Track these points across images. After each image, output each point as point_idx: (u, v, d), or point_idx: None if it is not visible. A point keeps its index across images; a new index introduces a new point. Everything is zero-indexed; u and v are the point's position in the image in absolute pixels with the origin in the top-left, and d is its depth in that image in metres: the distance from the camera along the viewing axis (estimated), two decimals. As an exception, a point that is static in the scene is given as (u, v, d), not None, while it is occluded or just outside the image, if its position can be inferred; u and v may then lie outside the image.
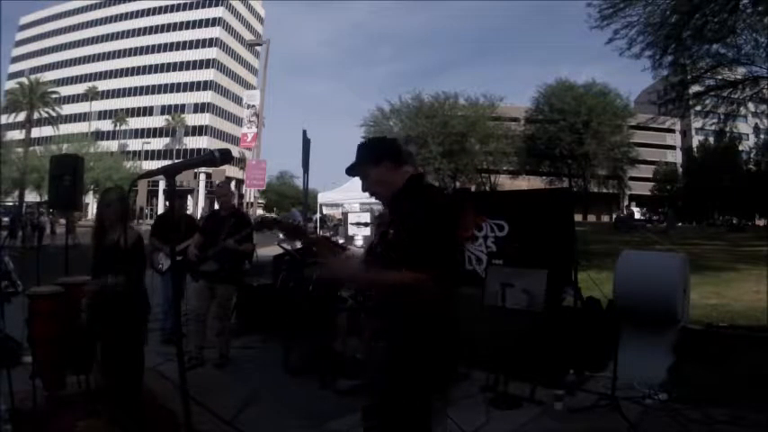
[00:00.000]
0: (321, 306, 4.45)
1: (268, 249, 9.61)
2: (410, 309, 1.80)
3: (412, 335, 1.82)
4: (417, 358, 1.80)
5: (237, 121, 59.45)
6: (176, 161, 1.88)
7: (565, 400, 3.58)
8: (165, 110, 68.57)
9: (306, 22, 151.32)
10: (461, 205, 5.46)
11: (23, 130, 52.98)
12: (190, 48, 70.12)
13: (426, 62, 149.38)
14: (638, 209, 54.11)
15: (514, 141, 46.95)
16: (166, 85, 70.01)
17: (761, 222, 46.83)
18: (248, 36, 69.42)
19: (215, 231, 4.70)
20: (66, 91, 66.06)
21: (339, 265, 1.86)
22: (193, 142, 65.81)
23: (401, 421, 1.83)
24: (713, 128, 26.11)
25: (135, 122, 68.98)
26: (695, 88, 18.22)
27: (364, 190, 2.10)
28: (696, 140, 57.10)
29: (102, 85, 70.62)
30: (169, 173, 1.63)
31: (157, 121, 68.39)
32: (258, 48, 54.93)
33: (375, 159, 2.01)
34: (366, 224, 13.77)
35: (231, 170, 56.45)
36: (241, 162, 43.51)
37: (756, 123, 26.76)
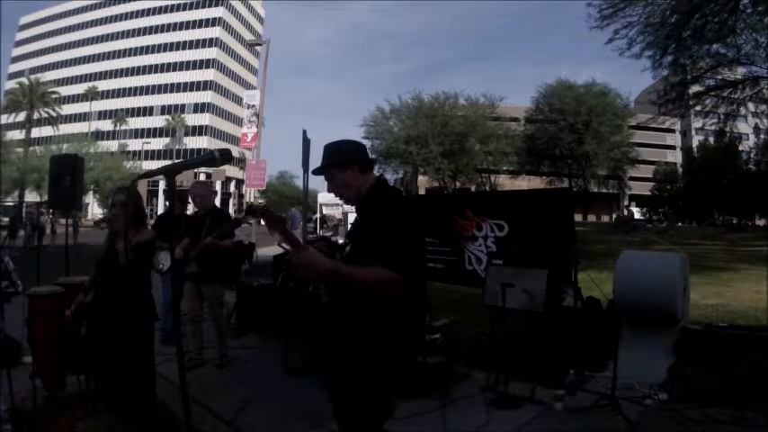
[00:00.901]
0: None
1: (268, 249, 9.62)
2: (375, 306, 1.87)
3: (371, 330, 1.89)
4: (373, 352, 1.88)
5: (237, 121, 59.47)
6: (176, 161, 1.88)
7: (565, 400, 3.58)
8: (165, 110, 68.60)
9: (306, 22, 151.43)
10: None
11: (23, 130, 53.01)
12: (190, 48, 70.13)
13: (426, 62, 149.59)
14: (638, 209, 54.03)
15: (514, 141, 46.87)
16: (166, 85, 70.02)
17: (761, 222, 46.85)
18: (248, 36, 69.40)
19: (194, 232, 4.66)
20: (66, 91, 66.08)
21: (313, 259, 1.88)
22: (193, 142, 65.82)
23: (352, 412, 1.96)
24: (713, 128, 26.12)
25: (135, 122, 68.99)
26: (695, 88, 18.20)
27: (329, 191, 2.18)
28: (696, 140, 57.04)
29: (102, 85, 70.65)
30: (169, 173, 1.63)
31: (157, 121, 68.40)
32: (258, 48, 54.87)
33: (342, 164, 2.07)
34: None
35: (231, 170, 56.52)
36: (241, 162, 43.49)
37: (756, 123, 26.75)
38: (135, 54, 71.51)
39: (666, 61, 16.09)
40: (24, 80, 56.33)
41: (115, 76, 71.75)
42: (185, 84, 69.61)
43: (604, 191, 52.27)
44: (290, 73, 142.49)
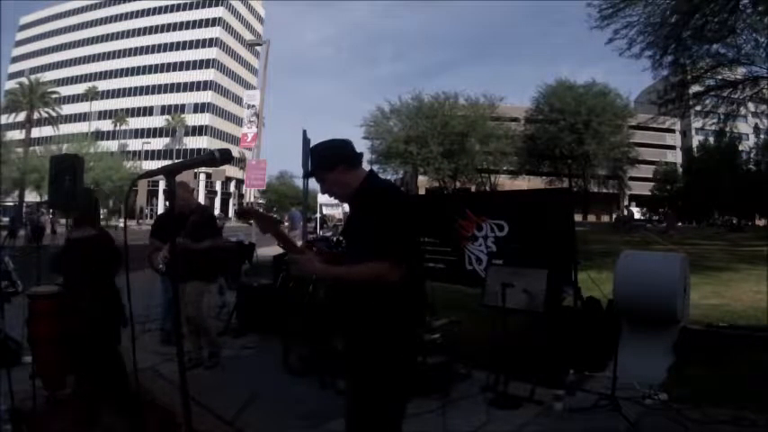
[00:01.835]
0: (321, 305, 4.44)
1: (268, 249, 9.61)
2: (373, 301, 1.88)
3: (374, 326, 1.90)
4: (379, 347, 1.89)
5: (237, 121, 59.47)
6: (176, 161, 1.88)
7: (565, 400, 3.58)
8: (165, 110, 68.60)
9: (306, 22, 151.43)
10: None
11: (23, 130, 52.94)
12: (190, 48, 70.13)
13: (426, 62, 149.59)
14: (638, 209, 54.10)
15: (514, 141, 46.88)
16: (166, 85, 70.03)
17: (761, 222, 46.84)
18: (248, 36, 69.39)
19: (175, 233, 4.64)
20: (66, 91, 66.06)
21: (308, 261, 1.93)
22: (193, 142, 65.81)
23: (366, 411, 1.93)
24: (713, 128, 26.13)
25: (135, 122, 68.98)
26: (695, 88, 18.20)
27: (323, 192, 2.22)
28: (696, 140, 57.06)
29: (102, 85, 70.64)
30: (169, 173, 1.63)
31: (157, 121, 68.40)
32: (258, 48, 54.83)
33: (329, 165, 2.09)
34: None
35: (231, 170, 56.52)
36: (241, 162, 43.48)
37: (756, 123, 26.74)
38: (135, 54, 71.50)
39: (666, 61, 16.11)
40: (24, 80, 56.29)
41: (115, 76, 71.75)
42: (185, 84, 69.60)
43: (604, 191, 52.29)
44: (290, 73, 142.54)
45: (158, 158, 61.41)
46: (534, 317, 4.16)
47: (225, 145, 55.53)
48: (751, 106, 19.98)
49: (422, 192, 38.54)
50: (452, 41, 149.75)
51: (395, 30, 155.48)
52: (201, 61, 69.64)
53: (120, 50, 72.46)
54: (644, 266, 4.67)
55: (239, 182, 49.04)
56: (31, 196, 46.12)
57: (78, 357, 3.18)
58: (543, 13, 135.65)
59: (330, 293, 3.65)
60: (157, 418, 3.36)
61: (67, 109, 64.06)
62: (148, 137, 64.04)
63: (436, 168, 42.67)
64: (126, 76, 71.50)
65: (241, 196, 40.70)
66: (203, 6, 70.91)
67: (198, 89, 69.34)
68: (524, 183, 46.97)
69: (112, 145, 60.63)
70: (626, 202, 55.44)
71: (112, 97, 70.82)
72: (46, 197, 7.04)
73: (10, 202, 47.79)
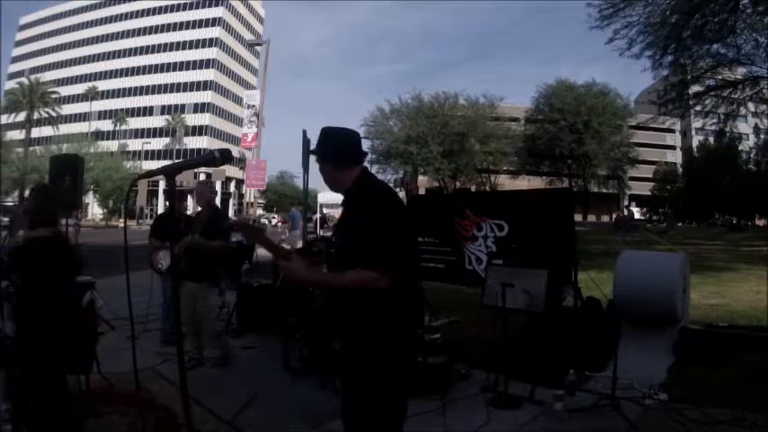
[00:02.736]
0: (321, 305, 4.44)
1: (268, 249, 9.56)
2: (366, 306, 1.85)
3: (368, 332, 1.88)
4: (374, 353, 1.87)
5: (237, 121, 59.49)
6: (176, 161, 1.88)
7: (565, 400, 3.58)
8: (165, 110, 68.56)
9: (306, 22, 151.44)
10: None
11: (23, 130, 52.96)
12: (190, 48, 70.12)
13: (426, 62, 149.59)
14: (638, 209, 54.10)
15: (514, 141, 46.92)
16: (166, 85, 70.01)
17: (761, 222, 46.87)
18: (248, 36, 69.39)
19: (191, 230, 4.67)
20: (66, 91, 66.06)
21: (296, 270, 1.89)
22: (193, 142, 65.77)
23: (361, 414, 1.91)
24: (713, 128, 26.09)
25: (135, 122, 68.96)
26: (695, 88, 18.19)
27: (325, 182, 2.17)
28: (696, 140, 57.09)
29: (102, 85, 70.62)
30: (169, 173, 1.63)
31: (157, 121, 68.37)
32: (258, 48, 54.93)
33: (324, 156, 2.06)
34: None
35: (231, 170, 56.51)
36: (241, 162, 43.50)
37: (756, 123, 26.71)
38: (135, 54, 71.48)
39: (666, 61, 16.09)
40: (24, 80, 56.29)
41: (115, 76, 71.73)
42: (185, 84, 69.59)
43: (604, 191, 52.28)
44: (290, 73, 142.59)
45: (158, 158, 61.37)
46: (534, 317, 4.16)
47: (225, 145, 55.58)
48: (751, 106, 19.95)
49: (422, 192, 38.51)
50: (452, 41, 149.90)
51: (395, 30, 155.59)
52: (201, 61, 69.62)
53: (120, 50, 72.44)
54: (644, 266, 4.67)
55: (239, 182, 49.02)
56: (31, 196, 46.05)
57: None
58: (543, 13, 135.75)
59: (326, 297, 3.67)
60: (157, 418, 3.37)
61: (67, 109, 64.05)
62: (148, 137, 64.01)
63: (436, 168, 42.68)
64: (126, 76, 71.48)
65: (241, 196, 40.61)
66: (203, 6, 70.89)
67: (198, 89, 69.32)
68: (524, 183, 46.96)
69: (112, 145, 60.59)
70: (626, 202, 55.40)
71: (112, 97, 70.80)
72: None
73: (10, 202, 47.77)
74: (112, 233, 31.30)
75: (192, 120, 67.78)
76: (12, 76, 71.38)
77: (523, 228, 4.87)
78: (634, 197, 59.95)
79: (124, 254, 1.78)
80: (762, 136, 37.76)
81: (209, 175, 54.06)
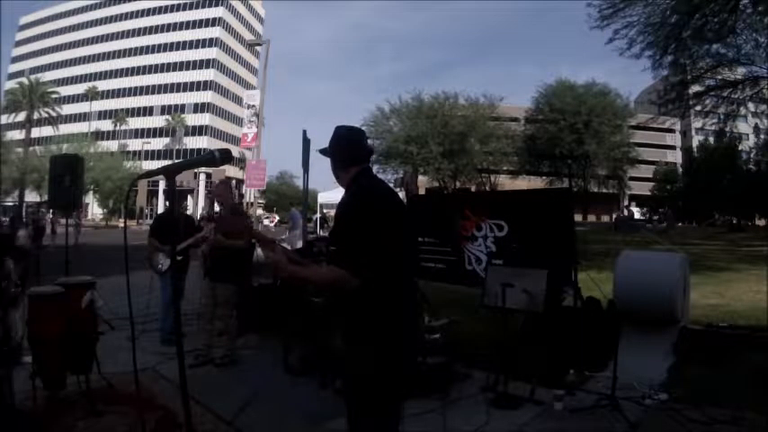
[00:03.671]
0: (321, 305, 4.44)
1: (268, 249, 9.55)
2: (357, 307, 1.89)
3: (354, 330, 1.92)
4: (367, 352, 1.88)
5: (237, 121, 59.47)
6: (176, 161, 1.88)
7: (565, 400, 3.58)
8: (165, 110, 68.55)
9: (306, 22, 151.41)
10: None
11: (23, 130, 52.97)
12: (190, 48, 70.10)
13: (426, 62, 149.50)
14: (638, 209, 54.11)
15: (514, 141, 46.86)
16: (166, 85, 69.99)
17: (761, 222, 46.86)
18: (248, 36, 69.38)
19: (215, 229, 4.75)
20: (66, 91, 66.05)
21: (279, 262, 1.93)
22: (193, 142, 65.77)
23: (358, 414, 1.94)
24: (713, 128, 26.11)
25: (135, 122, 68.95)
26: (695, 88, 18.18)
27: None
28: (696, 140, 57.04)
29: (102, 85, 70.60)
30: (169, 173, 1.63)
31: (157, 121, 68.37)
32: (258, 48, 54.86)
33: (329, 152, 2.14)
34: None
35: (231, 170, 56.48)
36: (241, 162, 43.48)
37: (756, 123, 26.74)
38: (135, 54, 71.46)
39: (666, 61, 16.08)
40: (24, 80, 56.30)
41: (115, 76, 71.72)
42: (185, 84, 69.58)
43: (604, 191, 52.24)
44: (290, 73, 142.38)
45: (158, 158, 61.37)
46: (534, 317, 4.16)
47: (225, 145, 55.54)
48: (751, 106, 19.96)
49: (422, 192, 38.49)
50: (452, 41, 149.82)
51: (395, 30, 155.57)
52: (201, 61, 69.60)
53: (120, 50, 72.42)
54: (644, 266, 4.68)
55: (239, 182, 48.94)
56: (31, 196, 46.13)
57: None
58: (543, 13, 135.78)
59: (323, 298, 3.69)
60: (157, 418, 3.37)
61: (67, 109, 64.05)
62: (148, 137, 64.00)
63: (436, 168, 42.62)
64: (126, 76, 71.46)
65: (241, 196, 40.72)
66: (203, 6, 70.88)
67: (198, 89, 69.30)
68: (524, 183, 46.94)
69: (112, 145, 60.60)
70: (626, 202, 55.44)
71: (112, 97, 70.78)
72: (46, 197, 7.03)
73: (10, 202, 47.78)
74: (112, 233, 31.30)
75: (192, 120, 67.77)
76: (12, 76, 71.37)
77: (523, 228, 4.88)
78: (634, 197, 59.93)
79: (124, 254, 1.78)
80: (762, 136, 37.71)
81: (209, 175, 54.18)
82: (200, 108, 68.78)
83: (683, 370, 4.17)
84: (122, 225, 44.37)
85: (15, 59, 77.81)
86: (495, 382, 3.90)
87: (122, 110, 68.93)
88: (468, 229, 5.29)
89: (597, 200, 52.56)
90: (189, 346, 4.62)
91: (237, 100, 61.49)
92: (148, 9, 71.68)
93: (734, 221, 42.86)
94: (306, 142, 8.67)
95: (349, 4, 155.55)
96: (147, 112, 70.14)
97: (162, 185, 51.27)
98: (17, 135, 52.91)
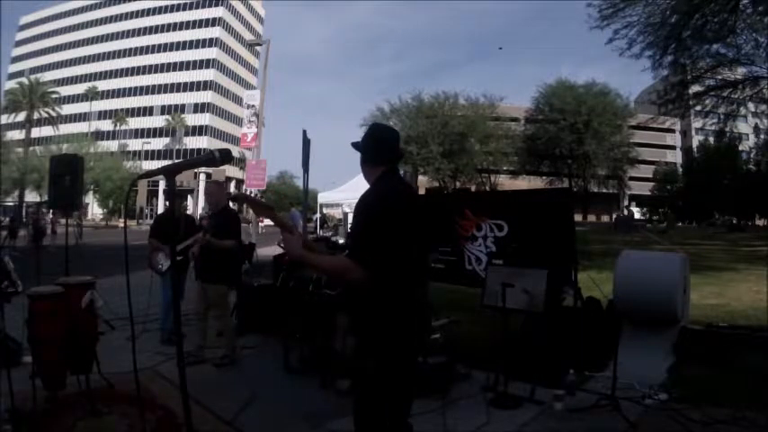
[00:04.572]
0: (321, 305, 4.44)
1: (268, 249, 9.61)
2: (357, 299, 1.94)
3: (363, 323, 1.96)
4: (371, 344, 1.93)
5: (237, 121, 59.43)
6: (176, 161, 1.88)
7: (565, 400, 3.58)
8: (165, 110, 68.56)
9: (306, 22, 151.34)
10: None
11: (23, 130, 52.99)
12: (190, 48, 70.10)
13: (426, 62, 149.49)
14: (638, 209, 54.12)
15: (514, 141, 46.90)
16: (166, 85, 69.99)
17: (761, 222, 46.89)
18: (248, 36, 69.35)
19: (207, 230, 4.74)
20: (66, 91, 66.05)
21: (295, 246, 1.97)
22: (193, 142, 65.78)
23: (365, 411, 1.97)
24: (713, 128, 26.09)
25: (135, 122, 68.95)
26: (695, 88, 18.18)
27: None
28: (696, 140, 57.11)
29: (102, 85, 70.61)
30: (169, 173, 1.63)
31: (157, 121, 68.37)
32: (258, 48, 54.83)
33: (360, 146, 2.17)
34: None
35: (231, 170, 56.52)
36: (241, 162, 43.48)
37: (756, 123, 26.74)
38: (135, 54, 71.45)
39: (666, 61, 16.07)
40: (24, 80, 56.33)
41: (115, 76, 71.71)
42: (185, 84, 69.58)
43: (604, 191, 52.26)
44: (290, 73, 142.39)
45: (158, 158, 61.36)
46: (534, 317, 4.16)
47: (225, 145, 55.56)
48: (751, 106, 19.97)
49: (422, 192, 38.49)
50: (452, 41, 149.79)
51: (395, 30, 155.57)
52: (201, 61, 69.60)
53: (120, 50, 72.42)
54: (644, 266, 4.67)
55: (239, 182, 49.01)
56: (31, 196, 46.14)
57: None
58: (543, 14, 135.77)
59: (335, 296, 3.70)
60: (157, 417, 3.37)
61: (67, 109, 64.06)
62: (148, 137, 64.00)
63: (436, 168, 42.63)
64: (126, 76, 71.46)
65: (241, 196, 40.91)
66: (203, 6, 70.87)
67: (198, 89, 69.30)
68: (524, 183, 46.94)
69: (112, 145, 60.61)
70: (626, 202, 55.43)
71: (112, 97, 70.78)
72: (46, 197, 7.03)
73: (10, 202, 47.77)
74: (112, 233, 31.30)
75: (192, 120, 67.77)
76: (12, 76, 71.36)
77: (523, 228, 4.87)
78: (634, 197, 59.95)
79: (124, 254, 1.78)
80: (762, 136, 37.74)
81: (209, 175, 54.23)
82: (200, 108, 68.78)
83: (683, 370, 4.17)
84: (122, 225, 44.37)
85: (15, 59, 77.80)
86: (495, 382, 3.90)
87: (122, 110, 68.94)
88: (468, 229, 5.29)
89: (597, 200, 52.58)
90: (189, 346, 4.62)
91: (237, 100, 61.49)
92: (148, 9, 71.66)
93: (734, 221, 42.87)
94: (306, 142, 8.67)
95: (349, 4, 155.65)
96: (147, 112, 70.14)
97: (162, 185, 51.25)
98: (17, 135, 52.93)
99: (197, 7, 70.72)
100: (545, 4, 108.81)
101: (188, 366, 4.41)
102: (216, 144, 59.00)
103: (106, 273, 6.61)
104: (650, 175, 59.43)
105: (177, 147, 65.93)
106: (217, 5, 70.74)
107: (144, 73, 70.71)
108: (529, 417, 3.51)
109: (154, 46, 71.18)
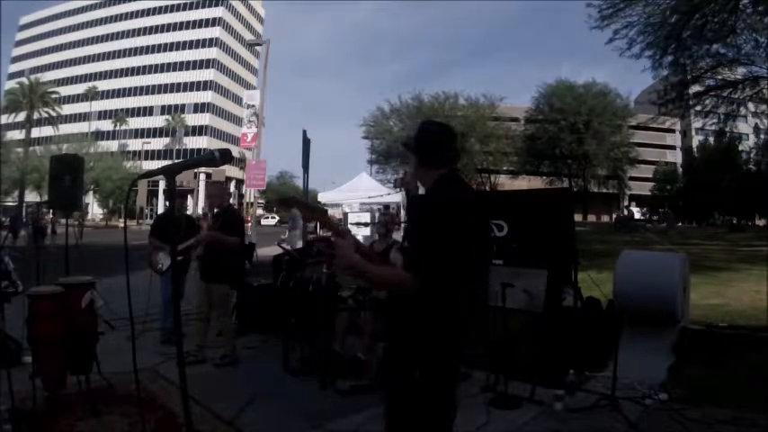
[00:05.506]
0: (321, 305, 4.45)
1: (268, 249, 9.61)
2: (411, 309, 1.80)
3: (413, 335, 1.83)
4: (421, 358, 1.82)
5: (237, 121, 59.41)
6: (176, 161, 1.88)
7: (565, 400, 3.58)
8: (165, 110, 68.59)
9: (306, 22, 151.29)
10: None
11: (23, 130, 52.99)
12: (190, 48, 70.13)
13: (426, 62, 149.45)
14: (638, 209, 54.09)
15: (514, 141, 46.89)
16: (166, 85, 70.02)
17: (761, 222, 46.85)
18: (248, 36, 69.36)
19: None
20: (66, 91, 66.06)
21: (347, 253, 1.81)
22: (193, 142, 65.79)
23: (417, 421, 1.90)
24: (713, 128, 26.14)
25: (135, 122, 68.98)
26: (695, 88, 18.20)
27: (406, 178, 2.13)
28: (696, 140, 57.11)
29: (102, 85, 70.64)
30: (169, 173, 1.62)
31: (157, 121, 68.39)
32: (258, 48, 54.85)
33: (412, 148, 1.98)
34: (366, 224, 13.77)
35: (231, 170, 56.50)
36: (241, 162, 43.47)
37: (756, 123, 26.76)
38: (135, 54, 71.48)
39: (666, 61, 16.11)
40: (24, 80, 56.32)
41: (115, 76, 71.73)
42: (185, 84, 69.60)
43: (604, 191, 52.27)
44: (290, 73, 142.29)
45: (158, 158, 61.37)
46: (534, 317, 4.16)
47: (225, 145, 55.58)
48: (751, 106, 19.98)
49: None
50: (452, 42, 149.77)
51: (395, 30, 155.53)
52: (201, 61, 69.63)
53: (120, 50, 72.44)
54: (644, 266, 4.68)
55: (239, 182, 48.92)
56: (31, 196, 46.14)
57: None
58: (543, 14, 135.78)
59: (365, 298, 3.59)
60: (157, 418, 3.37)
61: (67, 109, 64.05)
62: (148, 137, 64.01)
63: (436, 168, 42.57)
64: (126, 76, 71.48)
65: (241, 196, 40.59)
66: (203, 6, 70.89)
67: (198, 89, 69.33)
68: (524, 183, 46.95)
69: (112, 145, 60.64)
70: (626, 202, 55.42)
71: (112, 97, 70.81)
72: (46, 197, 7.03)
73: (10, 202, 47.79)
74: (112, 233, 31.30)
75: (192, 120, 67.80)
76: (12, 76, 71.40)
77: (523, 228, 4.87)
78: (634, 197, 59.93)
79: (124, 254, 1.78)
80: (762, 136, 37.78)
81: (209, 175, 54.18)
82: (200, 108, 68.81)
83: (683, 370, 4.17)
84: (122, 225, 44.39)
85: (15, 59, 77.83)
86: (495, 382, 3.90)
87: (122, 110, 68.97)
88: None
89: (597, 200, 52.59)
90: (189, 346, 4.62)
91: (237, 100, 61.49)
92: (148, 9, 71.69)
93: (734, 221, 42.87)
94: (306, 142, 8.68)
95: (349, 5, 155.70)
96: (147, 112, 70.17)
97: (162, 185, 51.24)
98: (17, 135, 52.95)
99: (197, 7, 70.75)
100: (545, 4, 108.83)
101: (188, 366, 4.43)
102: (216, 144, 59.02)
103: (106, 273, 6.61)
104: (650, 175, 59.44)
105: (177, 147, 65.94)
106: (217, 5, 70.76)
107: (144, 73, 70.73)
108: (529, 417, 3.51)
109: (154, 46, 71.20)
